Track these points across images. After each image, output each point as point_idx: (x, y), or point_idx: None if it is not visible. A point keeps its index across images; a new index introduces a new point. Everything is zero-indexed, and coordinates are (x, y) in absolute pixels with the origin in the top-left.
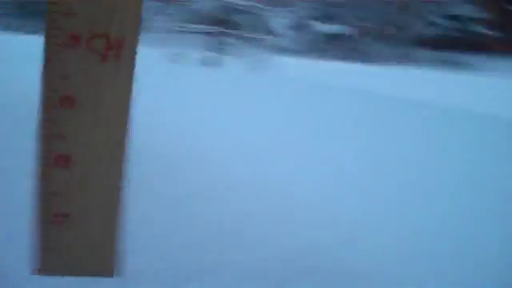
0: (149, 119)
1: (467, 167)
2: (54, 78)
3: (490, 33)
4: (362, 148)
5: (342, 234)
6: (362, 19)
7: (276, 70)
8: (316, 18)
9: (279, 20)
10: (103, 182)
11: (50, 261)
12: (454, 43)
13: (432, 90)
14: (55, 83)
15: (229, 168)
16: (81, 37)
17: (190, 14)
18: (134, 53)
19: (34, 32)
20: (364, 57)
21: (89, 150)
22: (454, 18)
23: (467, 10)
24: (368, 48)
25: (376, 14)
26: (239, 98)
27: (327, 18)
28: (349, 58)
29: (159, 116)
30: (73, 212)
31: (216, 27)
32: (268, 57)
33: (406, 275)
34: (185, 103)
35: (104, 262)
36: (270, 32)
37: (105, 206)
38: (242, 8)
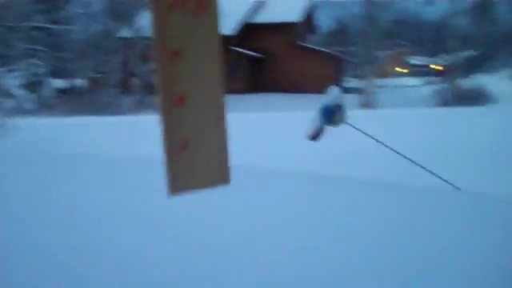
0: None
1: None
2: (165, 37)
3: None
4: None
5: None
6: (97, 71)
7: (17, 132)
8: (49, 74)
9: (10, 80)
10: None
11: (179, 179)
12: None
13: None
14: (167, 41)
15: None
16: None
17: None
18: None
19: None
20: (98, 108)
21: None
22: None
23: None
24: (103, 99)
25: (113, 64)
26: None
27: (61, 73)
28: (82, 111)
29: None
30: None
31: None
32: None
33: None
34: None
35: (219, 173)
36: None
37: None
38: None
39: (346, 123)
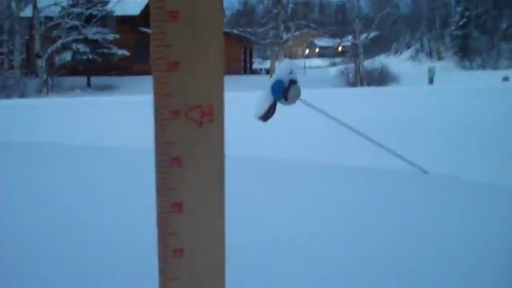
0: None
1: None
2: (163, 144)
3: (124, 54)
4: None
5: None
6: None
7: None
8: None
9: None
10: (209, 220)
11: None
12: (93, 67)
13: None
14: (165, 148)
15: None
16: (180, 111)
17: None
18: (222, 114)
19: None
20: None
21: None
22: (88, 41)
23: (100, 33)
24: (4, 80)
25: (16, 45)
26: None
27: None
28: None
29: None
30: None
31: None
32: None
33: None
34: None
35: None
36: None
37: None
38: None
39: (300, 100)
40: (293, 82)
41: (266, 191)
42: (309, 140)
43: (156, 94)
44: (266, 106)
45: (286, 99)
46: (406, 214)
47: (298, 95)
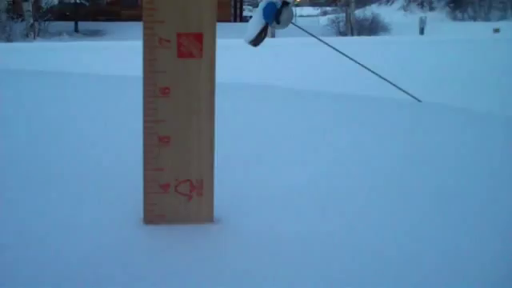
0: None
1: None
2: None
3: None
4: None
5: None
6: None
7: None
8: None
9: None
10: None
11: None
12: (81, 11)
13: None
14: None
15: None
16: (170, 184)
17: None
18: (212, 188)
19: None
20: None
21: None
22: None
23: None
24: None
25: None
26: None
27: None
28: None
29: None
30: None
31: None
32: None
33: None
34: None
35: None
36: None
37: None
38: None
39: (293, 24)
40: (285, 4)
41: (267, 111)
42: (302, 68)
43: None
44: (256, 30)
45: (278, 22)
46: (402, 138)
47: (290, 18)
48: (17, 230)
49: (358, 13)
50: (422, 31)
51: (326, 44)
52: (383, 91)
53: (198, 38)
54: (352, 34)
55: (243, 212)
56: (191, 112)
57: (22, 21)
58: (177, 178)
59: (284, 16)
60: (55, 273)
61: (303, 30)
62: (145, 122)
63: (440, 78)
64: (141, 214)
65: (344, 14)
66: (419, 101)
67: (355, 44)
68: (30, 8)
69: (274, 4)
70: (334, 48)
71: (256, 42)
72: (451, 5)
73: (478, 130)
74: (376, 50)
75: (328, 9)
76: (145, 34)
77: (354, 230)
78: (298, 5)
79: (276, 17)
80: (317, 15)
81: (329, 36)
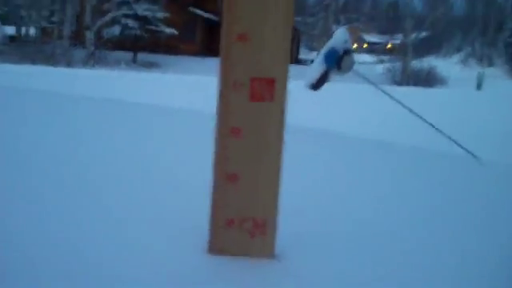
0: None
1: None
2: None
3: (173, 32)
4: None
5: None
6: (50, 21)
7: None
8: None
9: None
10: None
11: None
12: (140, 43)
13: (125, 88)
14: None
15: None
16: (234, 220)
17: None
18: (275, 227)
19: None
20: (48, 58)
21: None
22: (138, 17)
23: (150, 10)
24: (53, 49)
25: (67, 15)
26: None
27: (12, 20)
28: (33, 60)
29: None
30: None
31: None
32: None
33: None
34: None
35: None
36: None
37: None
38: None
39: (354, 71)
40: (347, 52)
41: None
42: (360, 115)
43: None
44: (317, 75)
45: (339, 68)
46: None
47: (351, 65)
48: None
49: (415, 63)
50: (479, 86)
51: (387, 94)
52: (438, 144)
53: (270, 82)
54: (408, 84)
55: (305, 250)
56: (260, 153)
57: (83, 48)
58: (241, 215)
59: (346, 63)
60: None
61: (364, 78)
62: (215, 159)
63: (497, 135)
64: (205, 246)
65: (400, 64)
66: (477, 158)
67: (412, 95)
68: (92, 36)
69: (335, 50)
70: (393, 98)
71: (316, 86)
72: (511, 62)
73: None
74: (431, 101)
75: (384, 57)
76: (221, 77)
77: (423, 277)
78: (355, 51)
79: (337, 63)
80: (373, 62)
81: (384, 84)
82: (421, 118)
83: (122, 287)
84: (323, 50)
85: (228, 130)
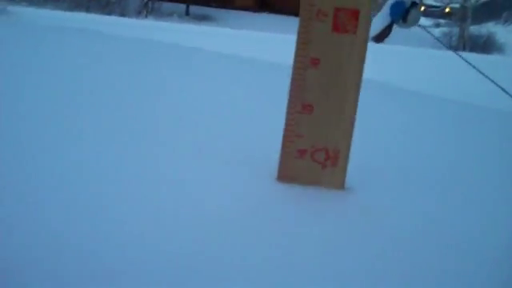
0: None
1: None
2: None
3: None
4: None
5: None
6: None
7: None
8: None
9: None
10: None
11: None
12: None
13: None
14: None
15: None
16: (307, 150)
17: None
18: (347, 159)
19: None
20: (103, 7)
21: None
22: None
23: None
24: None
25: None
26: None
27: None
28: (87, 8)
29: None
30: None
31: None
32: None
33: None
34: None
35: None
36: None
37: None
38: None
39: (419, 25)
40: (414, 5)
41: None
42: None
43: (284, 136)
44: (380, 26)
45: (404, 21)
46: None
47: (418, 19)
48: (156, 181)
49: (473, 29)
50: None
51: (458, 55)
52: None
53: (355, 14)
54: (464, 50)
55: (375, 185)
56: (337, 85)
57: None
58: (314, 146)
59: (412, 16)
60: (195, 218)
61: (428, 32)
62: (291, 89)
63: None
64: (275, 174)
65: (458, 29)
66: None
67: (470, 60)
68: None
69: (403, 3)
70: (459, 55)
71: (379, 38)
72: None
73: None
74: (488, 68)
75: (441, 21)
76: (304, 4)
77: (486, 225)
78: None
79: (403, 16)
80: (429, 26)
81: (440, 49)
82: (489, 79)
83: (189, 211)
84: (389, 1)
85: (307, 60)
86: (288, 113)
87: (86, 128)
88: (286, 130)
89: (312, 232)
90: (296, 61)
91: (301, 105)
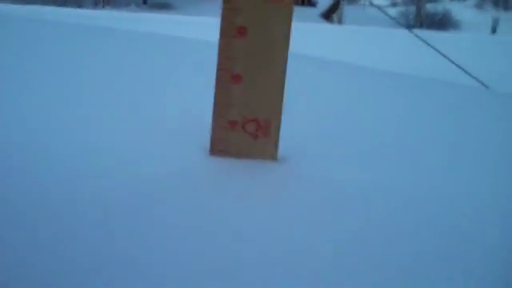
0: None
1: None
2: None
3: None
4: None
5: None
6: None
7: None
8: None
9: None
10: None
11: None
12: None
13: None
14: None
15: None
16: (238, 122)
17: None
18: (278, 129)
19: None
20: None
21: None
22: None
23: None
24: None
25: None
26: None
27: None
28: (43, 1)
29: None
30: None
31: None
32: None
33: None
34: None
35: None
36: None
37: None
38: None
39: (375, 5)
40: None
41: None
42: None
43: (215, 106)
44: (329, 5)
45: None
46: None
47: None
48: (94, 160)
49: (430, 7)
50: (494, 30)
51: (402, 25)
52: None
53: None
54: (421, 28)
55: (307, 155)
56: (265, 54)
57: None
58: (245, 117)
59: None
60: (129, 190)
61: (383, 12)
62: (219, 59)
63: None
64: (207, 147)
65: (414, 7)
66: (487, 87)
67: (426, 38)
68: None
69: None
70: (412, 32)
71: (327, 15)
72: None
73: None
74: (445, 45)
75: (398, 0)
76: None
77: (416, 184)
78: None
79: None
80: (386, 6)
81: (398, 28)
82: (435, 49)
83: (119, 179)
84: None
85: (234, 29)
86: (217, 84)
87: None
88: (215, 101)
89: (242, 203)
90: (222, 29)
91: (229, 75)
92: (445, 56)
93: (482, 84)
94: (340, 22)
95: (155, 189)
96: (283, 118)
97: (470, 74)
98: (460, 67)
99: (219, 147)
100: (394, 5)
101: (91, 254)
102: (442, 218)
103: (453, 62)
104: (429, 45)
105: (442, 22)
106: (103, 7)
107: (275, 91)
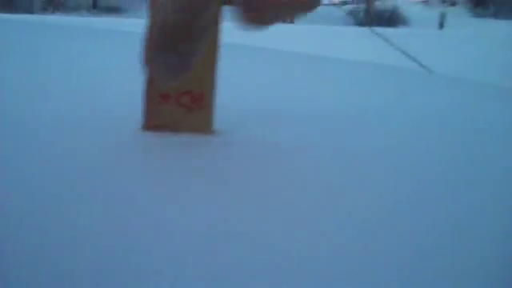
0: None
1: None
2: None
3: None
4: None
5: None
6: None
7: None
8: None
9: None
10: None
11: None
12: None
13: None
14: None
15: None
16: (170, 95)
17: None
18: (213, 101)
19: None
20: (5, 5)
21: None
22: None
23: None
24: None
25: None
26: None
27: None
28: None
29: None
30: None
31: None
32: None
33: None
34: None
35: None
36: None
37: None
38: None
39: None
40: None
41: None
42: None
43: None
44: None
45: None
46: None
47: None
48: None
49: (379, 4)
50: (441, 26)
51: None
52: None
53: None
54: (371, 25)
55: (243, 125)
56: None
57: None
58: (178, 90)
59: None
60: (61, 171)
61: None
62: (147, 34)
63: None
64: (139, 123)
65: (363, 5)
66: (431, 72)
67: (373, 36)
68: None
69: None
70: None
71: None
72: (473, 0)
73: None
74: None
75: None
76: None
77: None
78: None
79: None
80: (336, 4)
81: (348, 26)
82: (381, 36)
83: (52, 152)
84: None
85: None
86: (146, 55)
87: None
88: (146, 73)
89: (178, 176)
90: (150, 6)
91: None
92: (398, 48)
93: (427, 69)
94: (292, 20)
95: (85, 165)
96: (221, 93)
97: (416, 61)
98: (409, 56)
99: (152, 122)
100: (344, 3)
101: None
102: (365, 179)
103: (403, 52)
104: (383, 38)
105: (392, 19)
106: (53, 12)
107: (208, 63)
